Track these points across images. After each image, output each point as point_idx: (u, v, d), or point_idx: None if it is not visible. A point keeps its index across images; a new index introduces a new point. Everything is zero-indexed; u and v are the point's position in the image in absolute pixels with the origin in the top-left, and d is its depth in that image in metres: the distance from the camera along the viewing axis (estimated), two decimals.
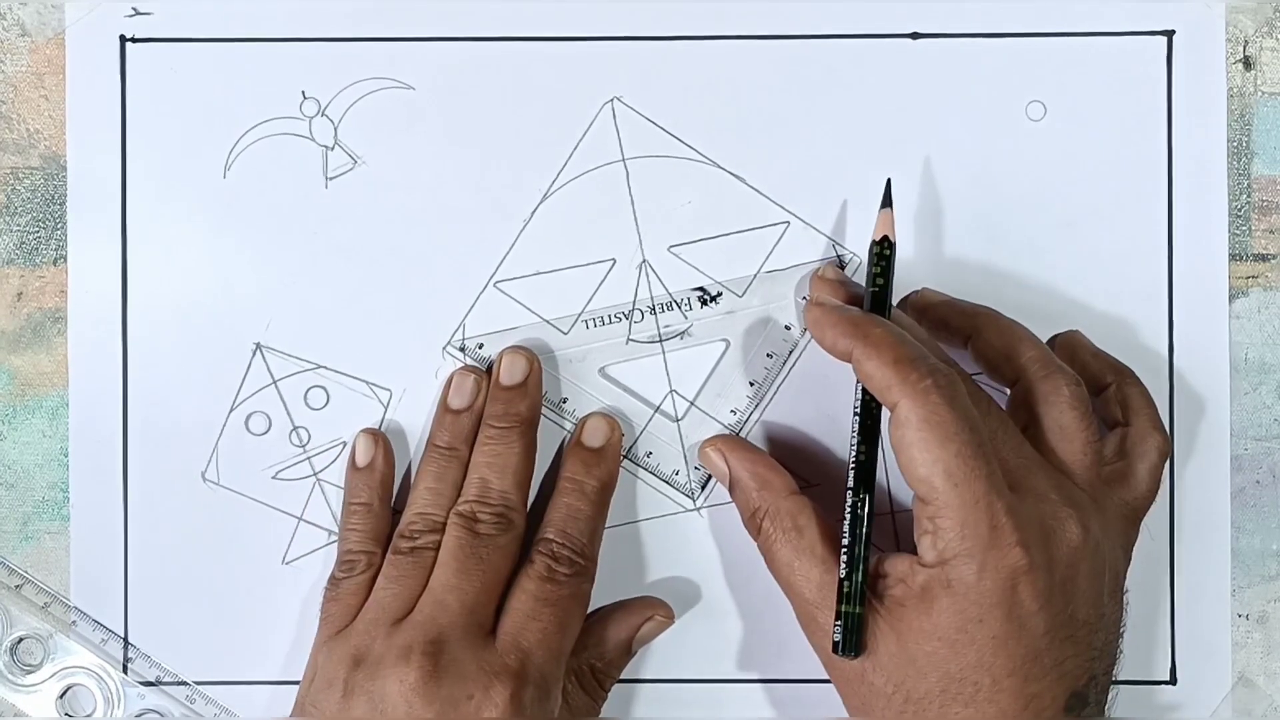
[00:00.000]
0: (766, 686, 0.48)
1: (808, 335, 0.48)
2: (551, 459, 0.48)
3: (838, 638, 0.41)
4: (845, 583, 0.42)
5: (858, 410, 0.43)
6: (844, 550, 0.42)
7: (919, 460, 0.40)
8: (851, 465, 0.43)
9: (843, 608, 0.42)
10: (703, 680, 0.49)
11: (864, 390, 0.43)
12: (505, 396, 0.47)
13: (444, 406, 0.47)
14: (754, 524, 0.45)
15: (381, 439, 0.48)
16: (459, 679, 0.43)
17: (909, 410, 0.40)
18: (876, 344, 0.42)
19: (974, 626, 0.40)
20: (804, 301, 0.48)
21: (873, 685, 0.42)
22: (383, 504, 0.47)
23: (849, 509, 0.43)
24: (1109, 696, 0.43)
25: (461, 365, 0.48)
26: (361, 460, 0.47)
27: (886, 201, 0.46)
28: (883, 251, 0.45)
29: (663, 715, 0.49)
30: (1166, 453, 0.45)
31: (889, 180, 0.46)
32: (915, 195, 0.48)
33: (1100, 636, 0.42)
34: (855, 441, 0.43)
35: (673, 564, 0.49)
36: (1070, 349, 0.46)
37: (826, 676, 0.43)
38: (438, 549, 0.45)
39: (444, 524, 0.45)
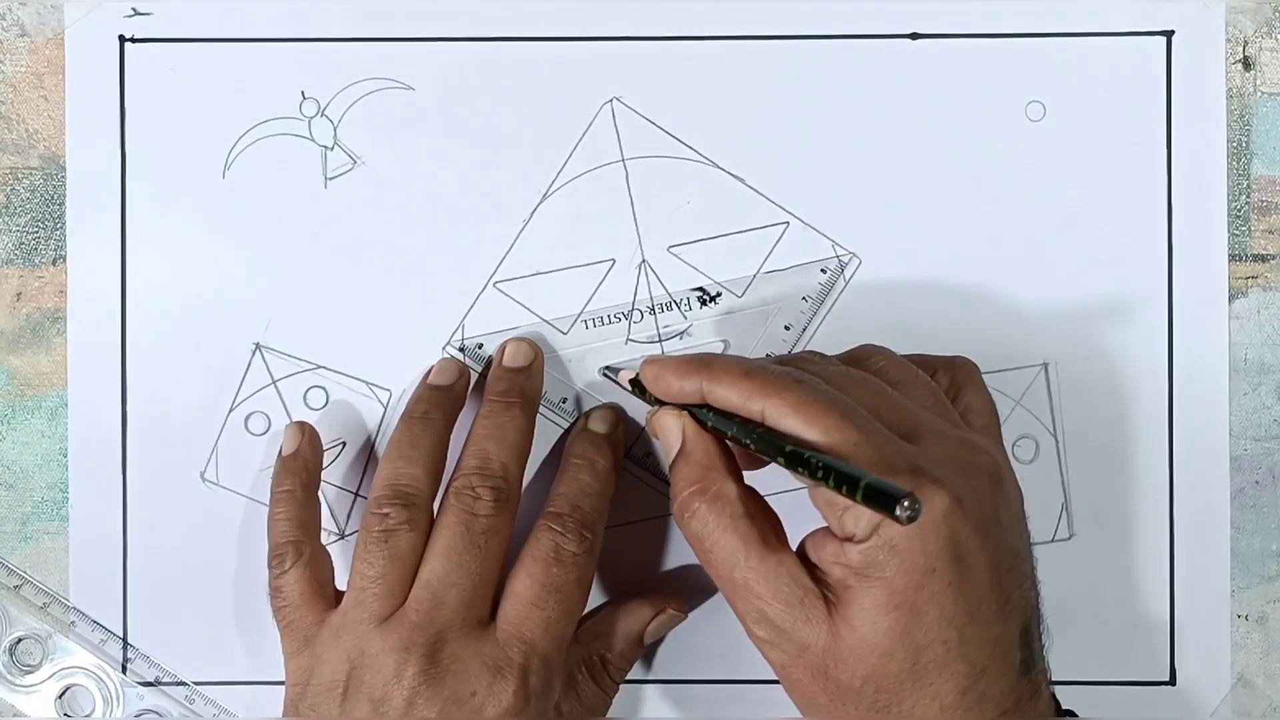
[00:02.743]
0: (768, 687, 0.48)
1: (808, 334, 0.48)
2: (544, 457, 0.48)
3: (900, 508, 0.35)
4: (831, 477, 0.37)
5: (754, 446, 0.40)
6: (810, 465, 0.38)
7: (809, 443, 0.38)
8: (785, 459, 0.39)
9: (867, 480, 0.36)
10: (704, 681, 0.49)
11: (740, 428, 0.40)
12: (509, 375, 0.46)
13: (423, 384, 0.47)
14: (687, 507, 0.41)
15: (307, 428, 0.47)
16: (461, 676, 0.42)
17: (777, 407, 0.39)
18: (723, 368, 0.41)
19: (929, 580, 0.38)
20: (615, 379, 0.47)
21: (839, 681, 0.39)
22: (306, 491, 0.46)
23: (801, 469, 0.38)
24: (1044, 630, 0.42)
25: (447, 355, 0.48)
26: (287, 449, 0.47)
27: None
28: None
29: (668, 715, 0.49)
30: (977, 368, 0.45)
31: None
32: (915, 195, 0.48)
33: (1030, 564, 0.41)
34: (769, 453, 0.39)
35: (672, 564, 0.49)
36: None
37: None
38: (409, 527, 0.44)
39: (416, 497, 0.44)
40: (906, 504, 0.35)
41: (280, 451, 0.47)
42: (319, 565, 0.45)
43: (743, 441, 0.40)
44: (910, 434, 0.40)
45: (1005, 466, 0.41)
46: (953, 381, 0.44)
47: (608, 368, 0.48)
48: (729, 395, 0.41)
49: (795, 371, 0.41)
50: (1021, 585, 0.40)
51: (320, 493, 0.47)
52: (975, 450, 0.40)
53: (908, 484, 0.37)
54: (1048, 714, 0.41)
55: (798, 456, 0.38)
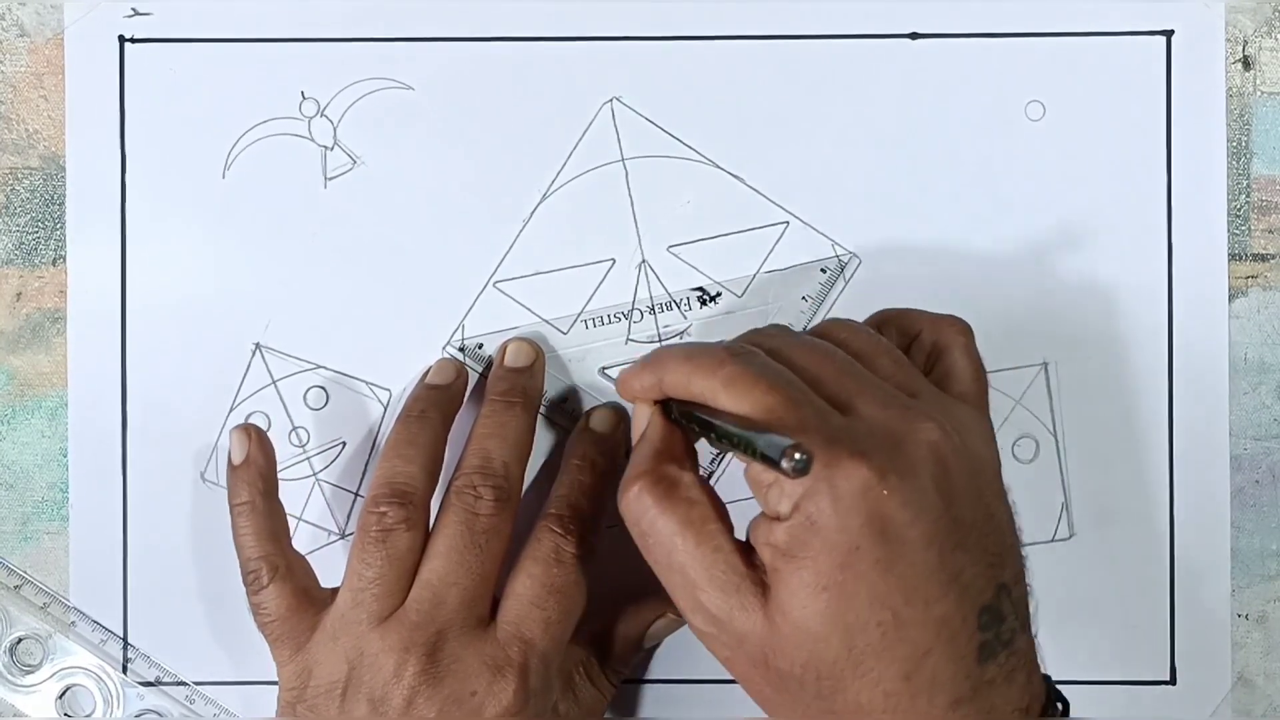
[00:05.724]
0: None
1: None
2: (544, 457, 0.48)
3: (789, 461, 0.35)
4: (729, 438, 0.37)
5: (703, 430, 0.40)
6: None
7: (737, 416, 0.38)
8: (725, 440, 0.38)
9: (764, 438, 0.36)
10: (704, 681, 0.49)
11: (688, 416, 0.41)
12: (510, 375, 0.46)
13: (420, 384, 0.47)
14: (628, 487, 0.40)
15: (253, 431, 0.46)
16: (461, 676, 0.42)
17: (705, 384, 0.39)
18: (668, 355, 0.41)
19: (854, 558, 0.37)
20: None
21: (780, 671, 0.38)
22: (266, 499, 0.45)
23: (723, 442, 0.39)
24: (1030, 609, 0.39)
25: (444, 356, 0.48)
26: (236, 458, 0.46)
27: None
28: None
29: (667, 715, 0.49)
30: (968, 330, 0.43)
31: None
32: (915, 195, 0.48)
33: (995, 540, 0.38)
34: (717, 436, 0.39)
35: None
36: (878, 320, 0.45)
37: None
38: (407, 526, 0.43)
39: (413, 495, 0.44)
40: (796, 456, 0.34)
41: (229, 461, 0.46)
42: (297, 573, 0.45)
43: (686, 424, 0.40)
44: (847, 405, 0.39)
45: (958, 437, 0.39)
46: (936, 344, 0.43)
47: (605, 369, 0.48)
48: (675, 381, 0.40)
49: (737, 346, 0.40)
50: (978, 562, 0.38)
51: (321, 488, 0.48)
52: (914, 420, 0.38)
53: (823, 455, 0.36)
54: (1017, 703, 0.38)
55: (718, 431, 0.38)
